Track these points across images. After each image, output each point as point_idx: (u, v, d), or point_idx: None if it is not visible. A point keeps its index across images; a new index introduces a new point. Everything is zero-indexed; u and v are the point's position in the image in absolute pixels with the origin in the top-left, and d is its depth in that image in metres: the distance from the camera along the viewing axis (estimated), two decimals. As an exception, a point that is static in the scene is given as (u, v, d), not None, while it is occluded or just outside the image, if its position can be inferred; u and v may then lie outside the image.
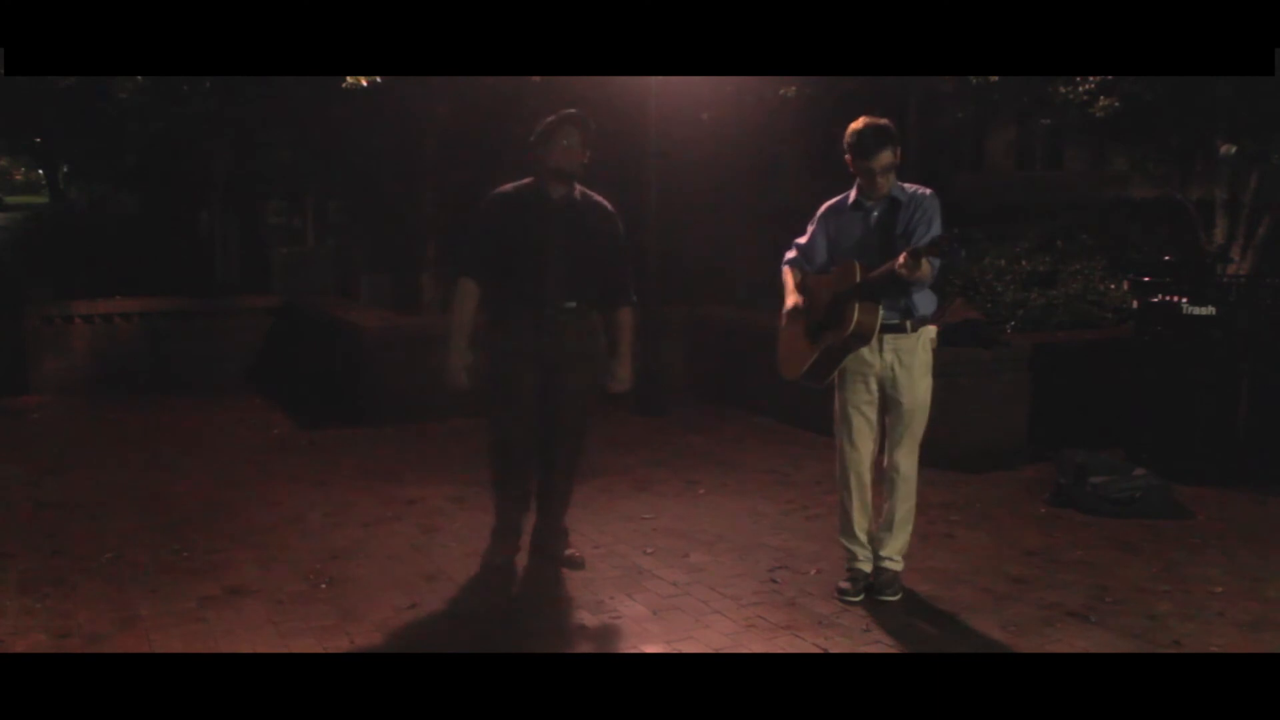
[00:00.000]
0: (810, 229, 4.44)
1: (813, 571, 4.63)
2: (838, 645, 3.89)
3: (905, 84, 10.17)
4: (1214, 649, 3.87)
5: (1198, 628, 4.06)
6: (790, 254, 4.49)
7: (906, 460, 4.31)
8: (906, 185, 4.27)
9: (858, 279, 4.10)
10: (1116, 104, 8.00)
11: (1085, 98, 8.16)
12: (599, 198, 4.57)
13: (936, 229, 4.13)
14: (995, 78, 8.27)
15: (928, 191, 4.26)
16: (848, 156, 4.24)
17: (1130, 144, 9.60)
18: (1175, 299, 6.18)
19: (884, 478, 4.36)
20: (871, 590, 4.32)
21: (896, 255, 4.04)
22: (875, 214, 4.25)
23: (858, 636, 3.98)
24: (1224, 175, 8.09)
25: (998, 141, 16.29)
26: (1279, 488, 5.88)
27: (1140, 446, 6.18)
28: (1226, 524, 5.35)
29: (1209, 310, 6.07)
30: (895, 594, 4.32)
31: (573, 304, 4.44)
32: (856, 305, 4.08)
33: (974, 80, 8.64)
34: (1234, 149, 7.42)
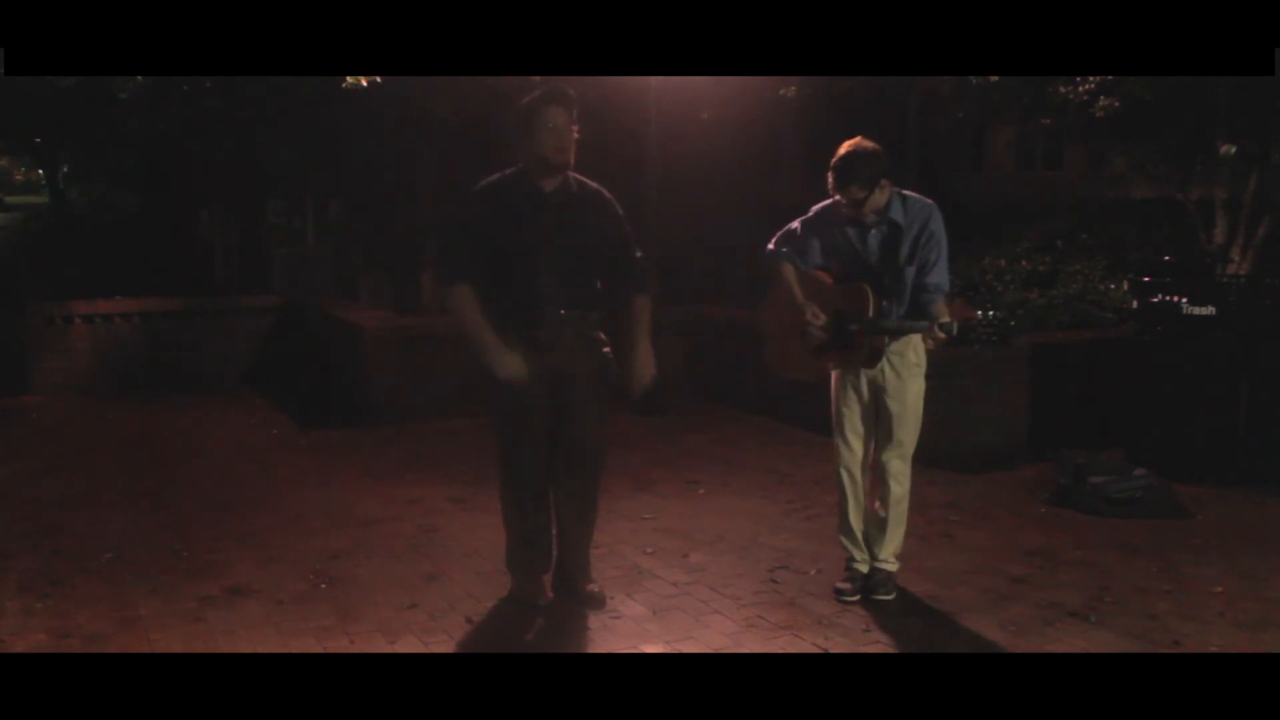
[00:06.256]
0: (800, 226, 4.31)
1: (813, 571, 4.63)
2: (838, 645, 3.89)
3: (905, 84, 10.16)
4: (1214, 649, 3.87)
5: (1198, 628, 4.06)
6: (782, 247, 4.31)
7: (898, 462, 4.28)
8: (905, 194, 4.16)
9: (871, 312, 4.04)
10: (1116, 104, 7.99)
11: (1085, 98, 8.15)
12: (595, 185, 4.08)
13: (945, 254, 4.12)
14: (995, 78, 8.26)
15: (928, 203, 4.16)
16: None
17: (1130, 144, 9.59)
18: (1175, 299, 6.18)
19: (877, 479, 4.34)
20: (866, 590, 4.31)
21: (901, 277, 4.08)
22: (874, 235, 4.15)
23: (858, 636, 3.98)
24: (1224, 175, 8.08)
25: (998, 141, 16.31)
26: (1279, 488, 5.88)
27: (1140, 446, 6.18)
28: (1226, 524, 5.35)
29: (1209, 310, 6.07)
30: (889, 594, 4.29)
31: (575, 310, 3.99)
32: (869, 338, 4.10)
33: (974, 80, 8.63)
34: (1234, 149, 7.41)
